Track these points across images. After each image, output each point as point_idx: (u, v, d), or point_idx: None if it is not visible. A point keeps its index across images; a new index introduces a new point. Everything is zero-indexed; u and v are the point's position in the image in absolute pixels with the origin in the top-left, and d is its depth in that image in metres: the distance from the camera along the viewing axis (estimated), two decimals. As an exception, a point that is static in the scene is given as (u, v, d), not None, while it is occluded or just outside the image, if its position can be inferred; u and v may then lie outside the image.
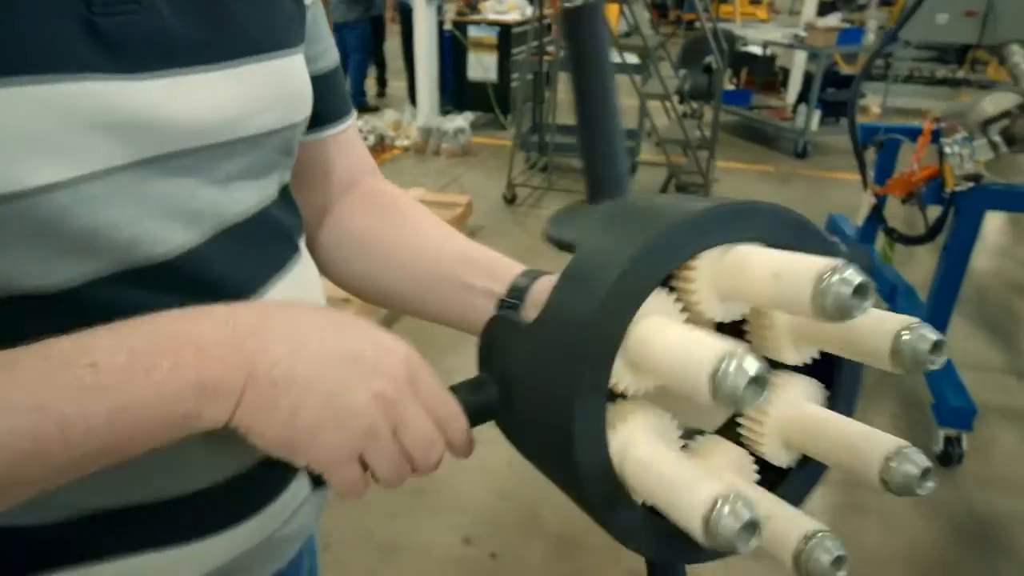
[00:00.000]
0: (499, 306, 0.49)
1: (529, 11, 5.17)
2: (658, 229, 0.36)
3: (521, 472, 2.32)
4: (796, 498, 0.42)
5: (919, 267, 3.31)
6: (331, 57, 0.59)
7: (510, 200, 4.27)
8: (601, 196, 0.45)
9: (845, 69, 5.78)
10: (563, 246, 0.42)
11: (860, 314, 0.30)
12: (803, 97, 5.37)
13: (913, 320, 0.34)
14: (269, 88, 0.46)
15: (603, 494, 0.37)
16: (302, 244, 0.55)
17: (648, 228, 0.36)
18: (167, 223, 0.40)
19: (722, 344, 0.31)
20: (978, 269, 3.68)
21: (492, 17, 5.53)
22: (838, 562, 0.35)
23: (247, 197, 0.46)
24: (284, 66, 0.48)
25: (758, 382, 0.30)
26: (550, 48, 4.51)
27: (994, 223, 4.33)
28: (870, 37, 5.26)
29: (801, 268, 0.31)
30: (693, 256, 0.36)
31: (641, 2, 4.33)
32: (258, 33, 0.46)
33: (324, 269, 0.61)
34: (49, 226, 0.36)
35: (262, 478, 0.48)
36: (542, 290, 0.47)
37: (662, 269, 0.36)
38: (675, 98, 4.51)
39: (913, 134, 2.92)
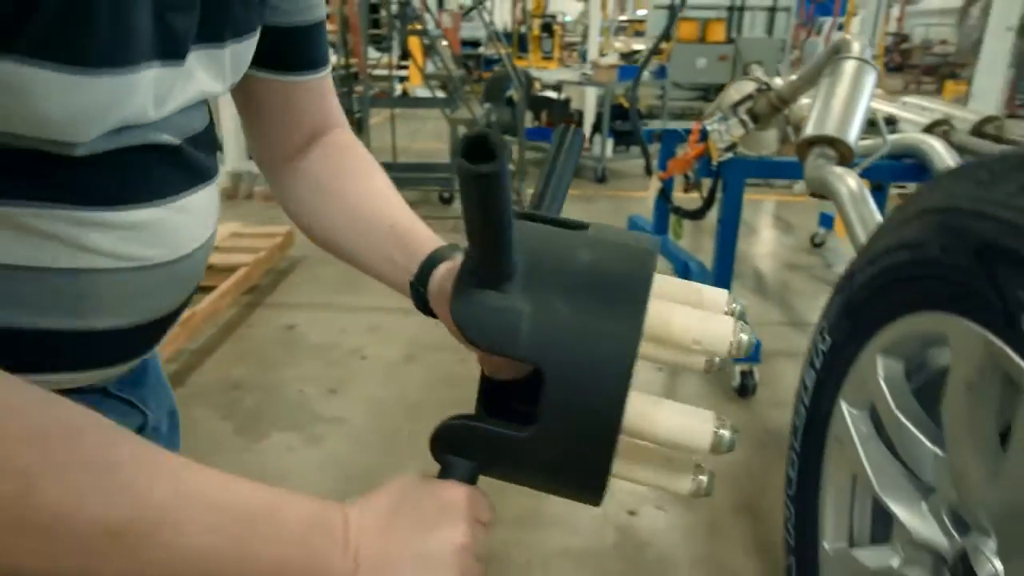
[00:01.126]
0: (410, 287, 0.59)
1: (334, 59, 5.31)
2: (632, 333, 0.42)
3: (366, 454, 2.32)
4: None
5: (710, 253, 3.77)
6: (322, 9, 0.66)
7: (332, 231, 4.27)
8: (497, 279, 0.45)
9: (628, 105, 6.49)
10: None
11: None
12: (596, 129, 5.96)
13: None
14: (233, 64, 0.55)
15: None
16: None
17: (622, 323, 0.42)
18: (164, 133, 0.50)
19: (710, 417, 0.45)
20: (757, 253, 4.33)
21: (299, 64, 5.58)
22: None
23: (197, 120, 0.55)
24: (248, 47, 0.56)
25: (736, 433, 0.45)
26: (358, 88, 4.66)
27: (766, 220, 5.05)
28: (645, 74, 5.99)
29: (716, 338, 0.44)
30: None
31: (441, 42, 4.63)
32: (244, 17, 0.54)
33: (284, 201, 0.69)
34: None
35: (176, 313, 0.57)
36: (441, 275, 0.57)
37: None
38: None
39: (686, 132, 3.38)
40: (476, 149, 0.35)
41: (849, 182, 1.83)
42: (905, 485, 0.83)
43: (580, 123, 6.79)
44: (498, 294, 0.44)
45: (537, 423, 0.44)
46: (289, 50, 0.63)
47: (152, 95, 0.45)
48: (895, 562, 0.84)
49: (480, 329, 0.44)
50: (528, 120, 6.24)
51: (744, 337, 0.43)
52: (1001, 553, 0.68)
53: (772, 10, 7.93)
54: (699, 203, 3.17)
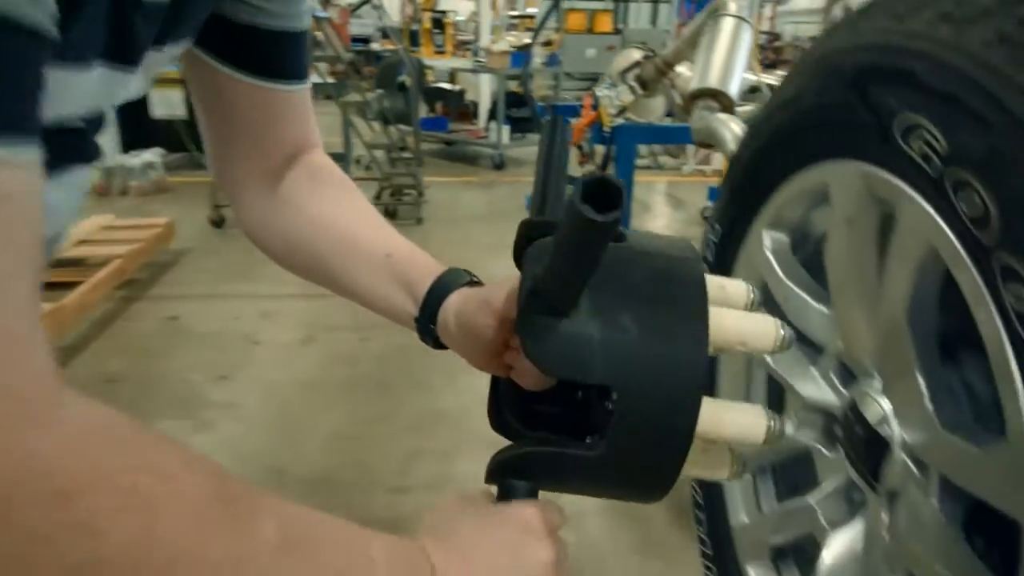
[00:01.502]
0: (415, 322, 0.58)
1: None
2: (700, 352, 0.43)
3: (261, 435, 2.20)
4: None
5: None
6: (308, 20, 0.61)
7: (217, 223, 4.08)
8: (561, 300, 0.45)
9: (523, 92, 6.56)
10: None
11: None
12: (492, 116, 5.97)
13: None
14: (159, 65, 0.51)
15: None
16: None
17: (688, 359, 0.43)
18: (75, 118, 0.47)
19: (761, 411, 0.47)
20: (652, 227, 4.50)
21: (175, 53, 5.28)
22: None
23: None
24: (180, 48, 0.52)
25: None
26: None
27: (659, 199, 5.24)
28: (536, 60, 6.06)
29: (761, 336, 0.47)
30: None
31: (328, 27, 4.49)
32: (193, 23, 0.50)
33: (254, 224, 0.64)
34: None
35: None
36: (453, 308, 0.56)
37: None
38: (378, 124, 4.73)
39: (579, 106, 3.44)
40: (595, 193, 0.34)
41: (733, 127, 1.89)
42: (795, 354, 0.84)
43: (475, 114, 6.79)
44: (567, 320, 0.44)
45: (609, 440, 0.44)
46: (275, 56, 0.59)
47: (95, 96, 0.43)
48: (789, 429, 0.85)
49: (553, 360, 0.44)
50: (423, 111, 6.18)
51: (783, 333, 0.46)
52: (886, 390, 0.70)
53: (655, 1, 8.23)
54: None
